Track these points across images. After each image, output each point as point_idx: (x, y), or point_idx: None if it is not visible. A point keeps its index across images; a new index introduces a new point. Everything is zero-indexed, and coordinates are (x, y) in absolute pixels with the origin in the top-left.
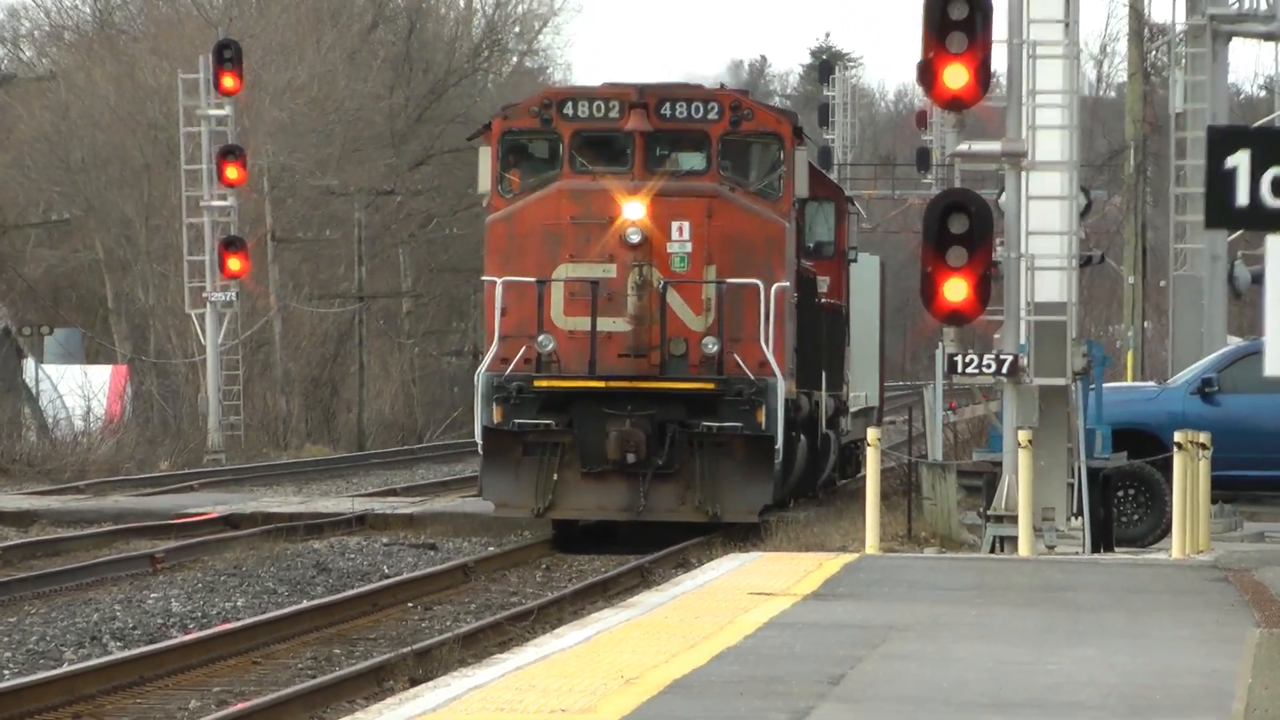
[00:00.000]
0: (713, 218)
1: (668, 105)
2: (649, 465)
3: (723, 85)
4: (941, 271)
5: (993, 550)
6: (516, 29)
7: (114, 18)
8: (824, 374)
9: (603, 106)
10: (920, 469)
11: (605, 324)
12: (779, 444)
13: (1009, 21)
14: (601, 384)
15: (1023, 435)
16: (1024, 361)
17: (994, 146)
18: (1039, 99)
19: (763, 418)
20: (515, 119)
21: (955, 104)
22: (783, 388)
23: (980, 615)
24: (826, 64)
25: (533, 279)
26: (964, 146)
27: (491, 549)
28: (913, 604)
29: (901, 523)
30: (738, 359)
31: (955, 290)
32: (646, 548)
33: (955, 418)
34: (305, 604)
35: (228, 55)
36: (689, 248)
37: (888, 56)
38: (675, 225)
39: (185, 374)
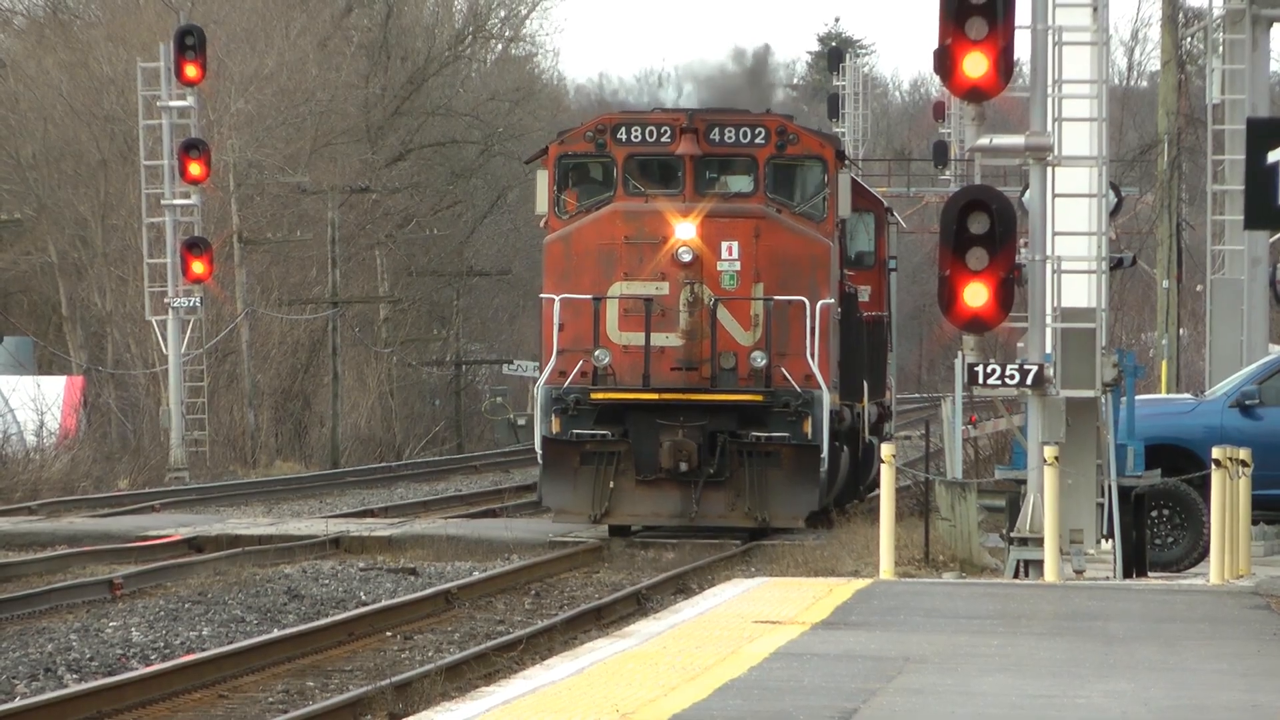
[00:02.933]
0: (760, 238)
1: (717, 130)
2: (701, 473)
3: (769, 110)
4: (961, 275)
5: (1016, 575)
6: (501, 14)
7: (67, 2)
8: (866, 383)
9: (655, 131)
10: (938, 488)
11: (658, 339)
12: (825, 453)
13: (1033, 6)
14: (655, 396)
15: (1048, 451)
16: (1050, 372)
17: (1017, 140)
18: (1065, 89)
19: (809, 428)
20: (571, 144)
21: (975, 94)
22: (828, 399)
23: (1003, 646)
24: (836, 51)
25: (589, 296)
26: (984, 140)
27: (476, 574)
28: (930, 633)
29: (918, 545)
30: (785, 372)
31: (975, 295)
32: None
33: (976, 432)
34: (276, 633)
35: (190, 42)
36: (738, 266)
37: (902, 43)
38: (725, 245)
39: (145, 385)
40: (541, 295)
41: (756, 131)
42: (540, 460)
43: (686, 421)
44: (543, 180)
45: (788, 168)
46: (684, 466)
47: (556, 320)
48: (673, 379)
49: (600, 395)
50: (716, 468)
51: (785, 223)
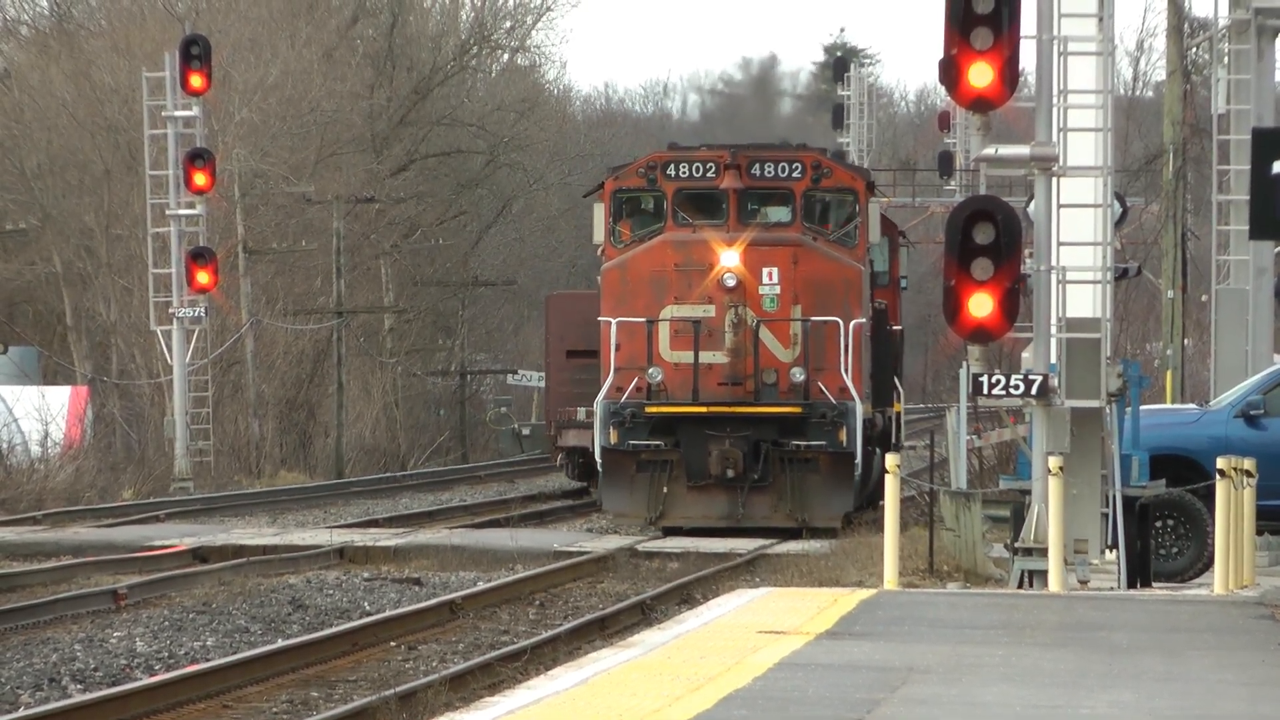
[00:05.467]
0: (798, 264)
1: (757, 165)
2: (746, 479)
3: (804, 145)
4: (966, 285)
5: (1021, 585)
6: (507, 24)
7: (73, 11)
8: (894, 392)
9: (701, 167)
10: (943, 498)
11: (706, 357)
12: (858, 459)
13: (1038, 15)
14: (704, 409)
15: (1053, 461)
16: (1055, 382)
17: (1022, 150)
18: (1070, 99)
19: (844, 437)
20: (625, 179)
21: (980, 104)
22: (860, 410)
23: (1007, 656)
24: (841, 61)
25: (642, 319)
26: (990, 150)
27: (480, 584)
28: (935, 644)
29: (922, 556)
30: (821, 386)
31: (980, 305)
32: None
33: (980, 442)
34: (280, 644)
35: (195, 52)
36: (778, 290)
37: (907, 53)
38: (765, 271)
39: (150, 396)
40: (599, 318)
41: (794, 166)
42: (600, 468)
43: (732, 432)
44: (599, 212)
45: (822, 199)
46: (730, 473)
47: (613, 341)
48: (719, 393)
49: (654, 409)
50: (760, 474)
51: (820, 250)
